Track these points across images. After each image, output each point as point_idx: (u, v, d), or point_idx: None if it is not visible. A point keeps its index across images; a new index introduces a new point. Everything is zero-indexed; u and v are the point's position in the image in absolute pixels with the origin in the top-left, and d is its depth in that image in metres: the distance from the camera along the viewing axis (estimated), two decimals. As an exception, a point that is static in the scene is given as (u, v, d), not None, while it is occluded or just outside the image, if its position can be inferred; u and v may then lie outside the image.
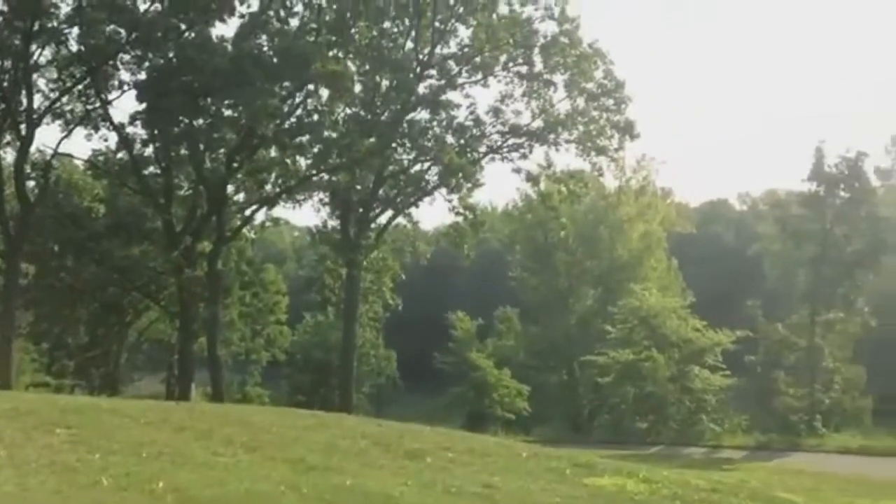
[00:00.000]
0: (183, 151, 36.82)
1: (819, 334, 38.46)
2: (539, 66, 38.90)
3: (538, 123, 39.59)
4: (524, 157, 39.81)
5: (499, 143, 40.19)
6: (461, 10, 38.85)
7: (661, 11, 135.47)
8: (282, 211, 48.03)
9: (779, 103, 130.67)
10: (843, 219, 39.21)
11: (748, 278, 59.10)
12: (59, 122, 35.94)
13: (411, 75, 38.87)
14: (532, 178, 41.33)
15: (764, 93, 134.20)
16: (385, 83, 39.81)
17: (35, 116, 34.69)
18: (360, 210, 40.77)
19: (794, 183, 59.78)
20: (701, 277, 56.90)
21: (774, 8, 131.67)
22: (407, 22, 39.71)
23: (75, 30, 34.70)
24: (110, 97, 35.96)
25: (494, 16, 38.73)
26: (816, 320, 38.57)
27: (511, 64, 39.08)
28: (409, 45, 39.89)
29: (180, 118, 34.91)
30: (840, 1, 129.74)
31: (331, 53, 36.57)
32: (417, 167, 40.64)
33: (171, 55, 35.03)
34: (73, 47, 34.97)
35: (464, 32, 39.52)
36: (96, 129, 36.17)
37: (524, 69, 39.09)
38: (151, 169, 37.56)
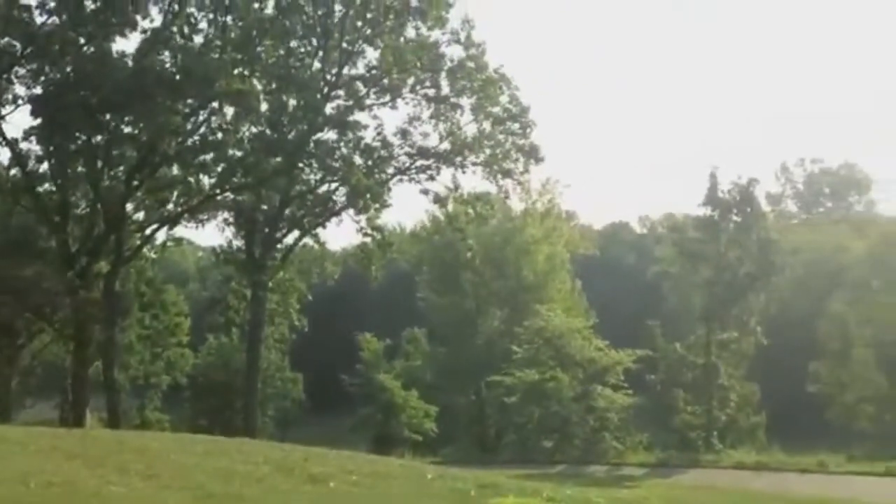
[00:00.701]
0: (80, 169, 35.69)
1: (715, 353, 39.76)
2: (446, 90, 39.36)
3: (445, 146, 39.97)
4: (432, 178, 40.10)
5: (407, 165, 40.35)
6: (368, 31, 39.02)
7: (564, 37, 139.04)
8: (184, 230, 46.93)
9: (680, 127, 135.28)
10: (735, 242, 40.76)
11: (648, 299, 60.52)
12: (-53, 136, 34.43)
13: (319, 95, 38.74)
14: (440, 200, 41.62)
15: (665, 116, 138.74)
16: (292, 102, 39.53)
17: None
18: (266, 230, 40.27)
19: (690, 207, 61.94)
20: (603, 298, 58.13)
21: (677, 33, 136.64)
22: (315, 42, 39.62)
23: (-34, 41, 33.40)
24: (3, 112, 34.67)
25: (402, 39, 39.04)
26: (712, 340, 39.88)
27: (418, 87, 39.39)
28: (317, 65, 39.81)
29: (77, 134, 33.86)
30: (736, 28, 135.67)
31: (236, 71, 36.17)
32: (325, 187, 40.49)
33: (68, 70, 34.00)
34: (-36, 59, 33.63)
35: (371, 54, 39.75)
36: (-12, 144, 34.78)
37: (431, 92, 39.46)
38: (46, 186, 36.26)
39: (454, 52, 39.02)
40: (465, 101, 39.65)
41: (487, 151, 39.91)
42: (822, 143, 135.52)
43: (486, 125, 39.93)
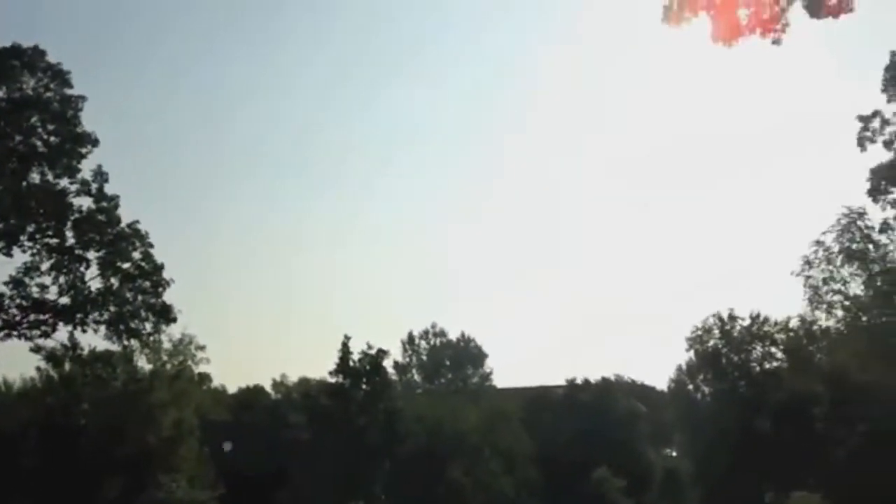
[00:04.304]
0: None
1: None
2: (71, 241, 36.90)
3: (65, 300, 37.04)
4: (46, 335, 36.70)
5: (18, 318, 36.65)
6: (-15, 172, 35.88)
7: (197, 189, 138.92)
8: None
9: (316, 293, 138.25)
10: (365, 409, 42.06)
11: (281, 466, 59.66)
12: None
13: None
14: (54, 359, 38.16)
15: (299, 281, 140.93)
16: None
17: None
18: None
19: (324, 373, 62.92)
20: (234, 466, 56.11)
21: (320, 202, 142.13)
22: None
23: None
24: None
25: (24, 183, 36.34)
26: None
27: (39, 235, 36.53)
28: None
29: None
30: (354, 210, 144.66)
31: None
32: None
33: None
34: None
35: (-14, 195, 36.28)
36: None
37: (54, 242, 36.73)
38: None
39: (84, 203, 37.05)
40: (93, 255, 37.38)
41: (113, 309, 37.61)
42: (443, 316, 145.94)
43: (114, 281, 37.80)
